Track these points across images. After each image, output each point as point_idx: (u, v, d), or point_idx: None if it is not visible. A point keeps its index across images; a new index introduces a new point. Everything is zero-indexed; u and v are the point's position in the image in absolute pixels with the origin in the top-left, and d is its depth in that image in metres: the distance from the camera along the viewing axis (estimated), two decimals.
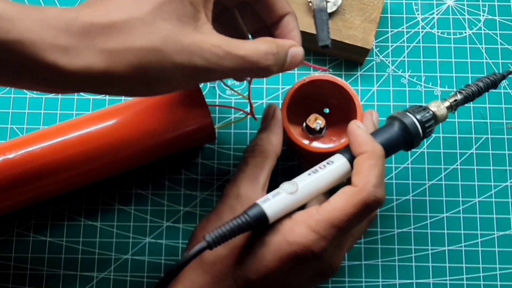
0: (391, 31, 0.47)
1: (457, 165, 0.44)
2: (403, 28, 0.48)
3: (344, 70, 0.47)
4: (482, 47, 0.47)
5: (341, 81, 0.39)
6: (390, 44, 0.47)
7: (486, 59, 0.47)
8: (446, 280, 0.42)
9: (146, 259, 0.42)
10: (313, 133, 0.40)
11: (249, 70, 0.31)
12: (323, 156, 0.35)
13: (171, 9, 0.28)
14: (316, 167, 0.33)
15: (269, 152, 0.36)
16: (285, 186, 0.32)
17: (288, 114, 0.38)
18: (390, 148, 0.34)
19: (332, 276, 0.33)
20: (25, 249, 0.42)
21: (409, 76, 0.46)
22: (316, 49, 0.46)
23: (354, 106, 0.38)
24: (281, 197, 0.31)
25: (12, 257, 0.42)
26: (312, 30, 0.44)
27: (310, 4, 0.44)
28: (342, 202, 0.31)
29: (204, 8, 0.30)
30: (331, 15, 0.45)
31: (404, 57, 0.47)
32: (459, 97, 0.37)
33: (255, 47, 0.30)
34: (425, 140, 0.44)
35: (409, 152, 0.44)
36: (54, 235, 0.43)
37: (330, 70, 0.43)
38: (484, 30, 0.47)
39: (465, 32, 0.47)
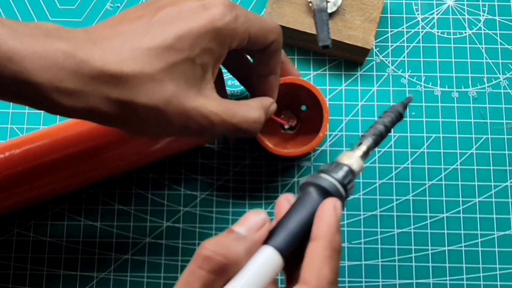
0: (391, 31, 0.47)
1: (457, 165, 0.44)
2: (403, 28, 0.48)
3: (344, 70, 0.47)
4: (482, 47, 0.47)
5: (308, 83, 0.40)
6: (390, 44, 0.47)
7: (486, 59, 0.47)
8: (446, 280, 0.42)
9: (146, 259, 0.42)
10: (285, 130, 0.41)
11: (238, 135, 0.33)
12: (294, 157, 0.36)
13: (182, 70, 0.29)
14: (243, 269, 0.26)
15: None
16: None
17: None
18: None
19: None
20: (25, 249, 0.42)
21: (409, 76, 0.46)
22: (316, 49, 0.46)
23: (320, 105, 0.39)
24: None
25: (12, 257, 0.42)
26: (312, 30, 0.44)
27: (310, 4, 0.44)
28: None
29: (212, 68, 0.31)
30: (331, 15, 0.45)
31: (404, 57, 0.47)
32: (368, 142, 0.32)
33: (246, 116, 0.32)
34: (425, 140, 0.45)
35: (409, 152, 0.44)
36: (54, 235, 0.43)
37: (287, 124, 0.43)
38: (484, 30, 0.47)
39: (465, 32, 0.47)
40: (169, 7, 0.30)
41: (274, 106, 0.37)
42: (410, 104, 0.36)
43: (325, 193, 0.29)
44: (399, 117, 0.34)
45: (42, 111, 0.45)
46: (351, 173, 0.31)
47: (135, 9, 0.31)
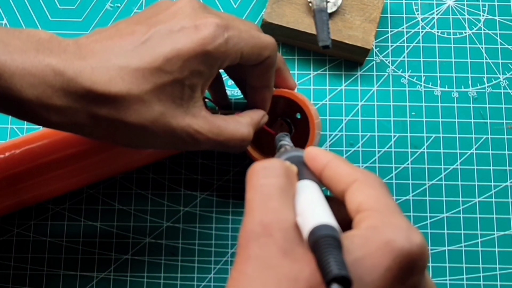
0: (391, 31, 0.47)
1: (457, 165, 0.44)
2: (403, 28, 0.48)
3: (344, 70, 0.47)
4: (482, 47, 0.47)
5: (297, 96, 0.38)
6: (390, 44, 0.47)
7: (486, 59, 0.47)
8: (446, 280, 0.42)
9: (146, 259, 0.42)
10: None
11: (224, 150, 0.34)
12: None
13: (169, 91, 0.29)
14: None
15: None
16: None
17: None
18: None
19: None
20: (25, 249, 0.42)
21: (409, 76, 0.46)
22: (316, 49, 0.46)
23: (307, 117, 0.38)
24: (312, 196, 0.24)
25: (12, 257, 0.42)
26: (312, 31, 0.44)
27: (310, 4, 0.44)
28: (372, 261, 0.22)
29: (202, 87, 0.31)
30: (331, 15, 0.45)
31: (404, 57, 0.47)
32: None
33: (233, 133, 0.33)
34: (425, 140, 0.45)
35: (409, 152, 0.44)
36: (54, 235, 0.43)
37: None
38: (484, 30, 0.47)
39: (465, 32, 0.47)
40: (160, 25, 0.30)
41: (265, 118, 0.37)
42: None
43: None
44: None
45: None
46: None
47: (128, 22, 0.31)
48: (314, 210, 0.22)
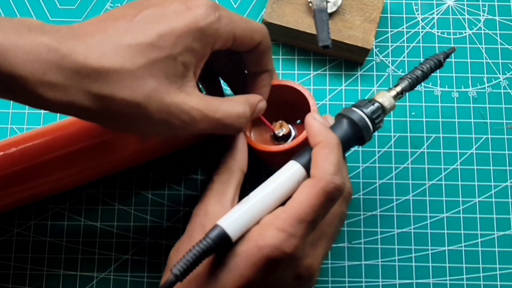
0: (391, 31, 0.48)
1: (457, 165, 0.44)
2: (403, 28, 0.48)
3: (344, 70, 0.47)
4: (482, 47, 0.47)
5: (296, 84, 0.38)
6: (390, 44, 0.47)
7: (486, 59, 0.47)
8: (446, 280, 0.42)
9: (146, 259, 0.42)
10: (278, 140, 0.39)
11: (222, 131, 0.33)
12: (281, 155, 0.35)
13: (163, 66, 0.29)
14: (271, 177, 0.33)
15: (234, 168, 0.35)
16: (244, 201, 0.32)
17: (256, 126, 0.39)
18: (342, 146, 0.34)
19: (311, 279, 0.32)
20: (25, 249, 0.42)
21: None
22: (316, 49, 0.46)
23: (309, 106, 0.38)
24: (239, 214, 0.31)
25: (12, 257, 0.42)
26: (312, 31, 0.44)
27: (310, 4, 0.44)
28: (304, 196, 0.31)
29: (194, 67, 0.31)
30: (331, 15, 0.45)
31: (404, 57, 0.47)
32: (404, 84, 0.37)
33: (230, 110, 0.33)
34: (425, 140, 0.45)
35: (409, 152, 0.44)
36: (54, 235, 0.43)
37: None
38: (484, 30, 0.47)
39: (465, 32, 0.47)
40: (153, 8, 0.30)
41: (262, 104, 0.36)
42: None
43: (354, 124, 0.34)
44: (439, 64, 0.38)
45: (42, 112, 0.45)
46: (382, 109, 0.35)
47: (120, 8, 0.31)
48: (228, 215, 0.31)
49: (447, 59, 0.39)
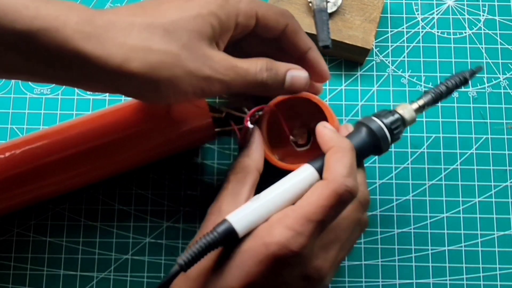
0: (391, 31, 0.48)
1: (457, 165, 0.44)
2: (403, 28, 0.48)
3: (344, 70, 0.47)
4: (482, 47, 0.47)
5: (314, 97, 0.38)
6: (390, 44, 0.47)
7: (486, 59, 0.47)
8: (446, 280, 0.42)
9: (146, 259, 0.42)
10: (297, 146, 0.40)
11: (250, 84, 0.33)
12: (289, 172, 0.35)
13: (195, 23, 0.31)
14: (284, 178, 0.33)
15: (250, 168, 0.36)
16: (254, 199, 0.32)
17: (272, 128, 0.38)
18: (358, 153, 0.34)
19: (320, 282, 0.32)
20: (25, 249, 0.42)
21: (409, 76, 0.46)
22: None
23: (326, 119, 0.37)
24: (249, 211, 0.31)
25: (12, 257, 0.42)
26: (312, 31, 0.44)
27: (310, 4, 0.44)
28: (315, 197, 0.31)
29: (220, 35, 0.32)
30: (331, 15, 0.45)
31: (404, 57, 0.47)
32: (427, 98, 0.37)
33: (253, 62, 0.33)
34: (425, 140, 0.45)
35: (409, 152, 0.44)
36: (54, 235, 0.43)
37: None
38: (484, 30, 0.47)
39: (465, 32, 0.47)
40: None
41: (297, 72, 0.35)
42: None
43: (372, 133, 0.34)
44: (464, 81, 0.37)
45: (42, 112, 0.45)
46: (402, 121, 0.35)
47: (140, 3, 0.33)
48: (238, 211, 0.31)
49: (474, 76, 0.39)
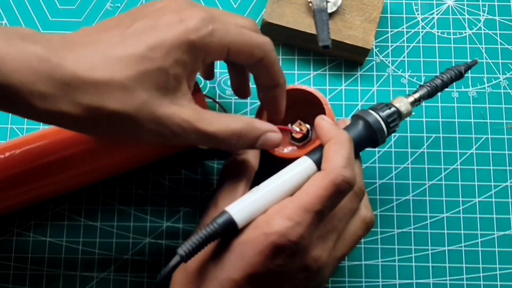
0: (391, 31, 0.48)
1: (457, 165, 0.44)
2: (403, 28, 0.48)
3: (344, 70, 0.47)
4: (482, 47, 0.47)
5: (309, 88, 0.38)
6: (390, 44, 0.47)
7: (486, 59, 0.47)
8: (446, 280, 0.42)
9: (146, 259, 0.42)
10: (296, 140, 0.40)
11: (215, 144, 0.33)
12: (290, 161, 0.35)
13: (154, 79, 0.29)
14: (282, 170, 0.33)
15: (245, 164, 0.36)
16: (253, 191, 0.32)
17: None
18: (355, 146, 0.34)
19: (319, 273, 0.32)
20: (25, 249, 0.42)
21: (409, 76, 0.46)
22: (316, 49, 0.46)
23: (322, 108, 0.38)
24: (248, 202, 0.32)
25: (12, 257, 0.42)
26: (312, 31, 0.44)
27: (310, 4, 0.44)
28: (313, 187, 0.31)
29: (188, 80, 0.31)
30: (331, 15, 0.45)
31: (404, 57, 0.47)
32: (423, 92, 0.38)
33: (225, 126, 0.32)
34: (425, 140, 0.45)
35: (409, 152, 0.44)
36: (54, 235, 0.43)
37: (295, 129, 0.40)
38: (484, 30, 0.47)
39: (465, 32, 0.47)
40: (146, 19, 0.30)
41: (272, 136, 0.34)
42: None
43: (369, 126, 0.35)
44: (459, 75, 0.38)
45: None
46: (398, 114, 0.36)
47: (114, 18, 0.31)
48: (236, 202, 0.32)
49: (469, 70, 0.39)
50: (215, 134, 0.32)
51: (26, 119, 0.45)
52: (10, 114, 0.45)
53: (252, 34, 0.33)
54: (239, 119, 0.33)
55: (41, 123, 0.44)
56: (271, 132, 0.34)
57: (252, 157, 0.37)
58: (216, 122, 0.32)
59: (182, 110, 0.31)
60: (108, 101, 0.28)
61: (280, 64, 0.46)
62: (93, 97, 0.28)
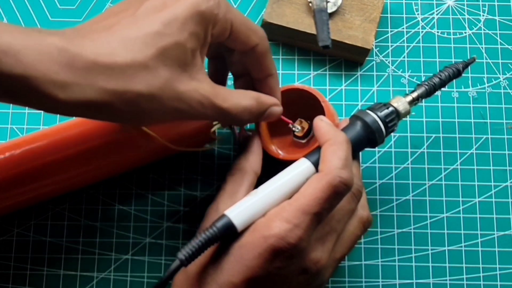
0: (391, 31, 0.48)
1: (457, 165, 0.44)
2: (403, 28, 0.48)
3: (344, 70, 0.47)
4: (482, 47, 0.47)
5: (305, 86, 0.38)
6: (390, 44, 0.47)
7: (486, 59, 0.47)
8: (446, 280, 0.42)
9: (146, 259, 0.42)
10: (297, 138, 0.39)
11: (228, 120, 0.33)
12: (289, 163, 0.35)
13: (173, 55, 0.29)
14: (281, 173, 0.34)
15: (247, 169, 0.36)
16: (251, 194, 0.32)
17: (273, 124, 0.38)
18: (353, 146, 0.34)
19: (319, 275, 0.33)
20: (25, 249, 0.42)
21: (409, 76, 0.46)
22: (316, 49, 0.46)
23: (323, 111, 0.38)
24: (247, 205, 0.32)
25: (12, 257, 0.42)
26: (312, 30, 0.44)
27: (310, 4, 0.44)
28: (310, 189, 0.31)
29: (201, 54, 0.31)
30: (331, 15, 0.45)
31: (404, 57, 0.47)
32: (421, 90, 0.38)
33: (238, 102, 0.33)
34: (425, 140, 0.45)
35: (409, 152, 0.44)
36: (54, 235, 0.43)
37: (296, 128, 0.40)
38: (484, 30, 0.47)
39: (465, 32, 0.47)
40: (153, 0, 0.30)
41: (276, 108, 0.36)
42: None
43: (367, 126, 0.35)
44: (457, 73, 0.38)
45: (42, 112, 0.45)
46: (396, 114, 0.36)
47: (120, 4, 0.31)
48: (236, 206, 0.32)
49: (467, 68, 0.39)
50: (228, 110, 0.32)
51: (26, 120, 0.45)
52: (11, 113, 0.45)
53: (248, 20, 0.34)
54: (248, 94, 0.34)
55: (58, 116, 0.44)
56: (274, 106, 0.36)
57: (255, 161, 0.37)
58: (229, 98, 0.32)
59: (201, 86, 0.31)
60: (132, 83, 0.28)
61: (280, 64, 0.46)
62: (118, 82, 0.28)
